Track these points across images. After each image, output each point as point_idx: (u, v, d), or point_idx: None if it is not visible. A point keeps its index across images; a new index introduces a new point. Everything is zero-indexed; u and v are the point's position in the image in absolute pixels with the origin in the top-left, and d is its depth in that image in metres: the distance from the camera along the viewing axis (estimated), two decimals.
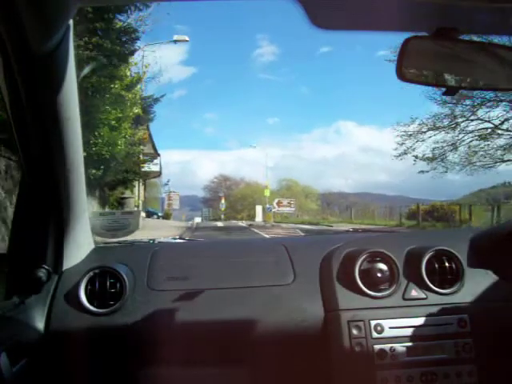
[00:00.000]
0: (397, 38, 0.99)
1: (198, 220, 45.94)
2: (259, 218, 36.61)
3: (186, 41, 20.14)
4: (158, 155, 25.07)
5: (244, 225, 26.46)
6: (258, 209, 38.49)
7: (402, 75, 1.01)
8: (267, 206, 33.73)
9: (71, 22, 0.95)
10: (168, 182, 51.68)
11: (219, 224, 27.57)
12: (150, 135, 22.33)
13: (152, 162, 23.15)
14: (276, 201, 35.00)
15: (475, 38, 1.02)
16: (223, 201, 52.19)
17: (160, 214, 39.10)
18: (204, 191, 68.68)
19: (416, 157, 20.65)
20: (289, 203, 35.62)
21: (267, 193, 38.58)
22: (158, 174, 32.42)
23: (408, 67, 1.02)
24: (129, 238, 1.53)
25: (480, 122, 19.06)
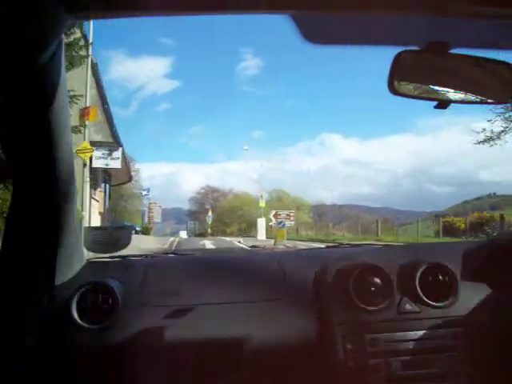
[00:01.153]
0: (388, 52, 1.07)
1: (183, 235, 45.18)
2: (262, 235, 30.75)
3: None
4: (120, 146, 18.12)
5: (244, 246, 18.19)
6: (260, 223, 32.45)
7: (393, 89, 1.09)
8: (279, 220, 27.49)
9: (63, 36, 1.02)
10: (148, 191, 50.71)
11: (208, 244, 22.18)
12: (105, 112, 16.96)
13: (110, 155, 17.07)
14: (273, 213, 31.45)
15: (466, 52, 1.09)
16: (210, 213, 51.61)
17: (138, 229, 37.82)
18: (190, 203, 68.35)
19: None
20: (288, 216, 31.85)
21: (263, 204, 35.31)
22: (128, 179, 27.56)
23: (400, 81, 1.09)
24: (121, 252, 1.58)
25: None
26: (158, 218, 54.74)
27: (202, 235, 46.19)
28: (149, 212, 52.13)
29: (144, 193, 49.29)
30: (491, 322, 1.36)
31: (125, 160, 20.67)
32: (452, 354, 1.31)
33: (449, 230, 22.67)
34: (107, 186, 24.06)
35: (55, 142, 1.11)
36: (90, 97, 14.46)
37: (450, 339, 1.32)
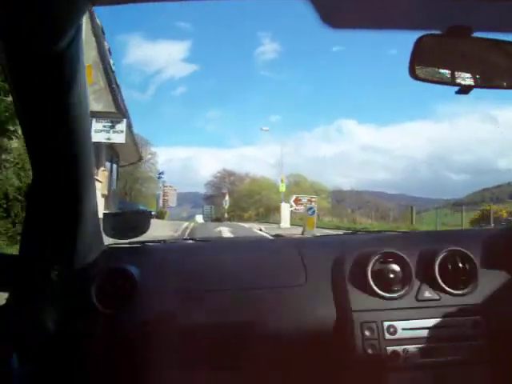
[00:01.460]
0: (409, 36, 1.08)
1: (199, 219, 45.21)
2: (286, 222, 27.36)
3: None
4: (124, 117, 15.77)
5: (266, 235, 15.90)
6: (284, 208, 28.58)
7: (414, 73, 1.10)
8: (308, 206, 22.14)
9: (83, 20, 1.05)
10: (162, 174, 50.33)
11: (226, 232, 19.49)
12: (107, 78, 14.42)
13: (113, 127, 15.18)
14: (293, 198, 29.52)
15: (489, 36, 1.09)
16: (227, 197, 51.70)
17: (153, 213, 37.47)
18: (206, 187, 68.52)
19: None
20: (309, 201, 28.97)
21: (283, 188, 33.37)
22: (138, 159, 25.79)
23: (421, 65, 1.11)
24: (139, 238, 1.61)
25: None
26: (172, 202, 54.40)
27: (219, 220, 46.25)
28: (163, 196, 52.14)
29: (158, 175, 49.16)
30: (511, 309, 1.38)
31: (131, 135, 18.35)
32: (471, 342, 1.33)
33: (487, 218, 21.54)
34: (114, 165, 21.86)
35: (74, 128, 1.14)
36: (87, 57, 12.42)
37: (469, 327, 1.34)
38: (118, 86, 15.52)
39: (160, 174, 49.63)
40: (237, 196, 57.56)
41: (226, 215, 50.41)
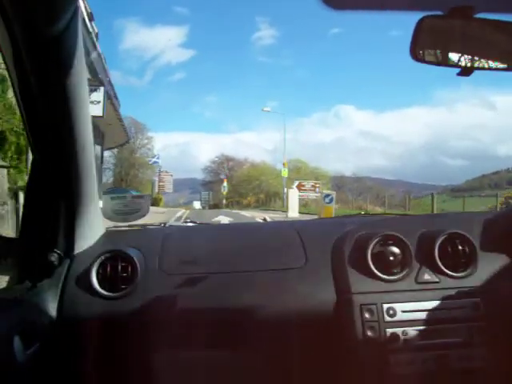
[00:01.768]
0: (410, 18, 1.09)
1: (197, 205, 44.95)
2: (294, 210, 23.92)
3: None
4: (102, 84, 13.70)
5: None
6: (292, 195, 25.26)
7: (416, 55, 1.12)
8: (325, 192, 18.79)
9: (80, 2, 1.07)
10: (157, 158, 49.15)
11: (224, 219, 17.02)
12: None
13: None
14: (296, 183, 28.49)
15: (492, 17, 1.10)
16: (225, 183, 51.46)
17: None
18: (204, 173, 68.19)
19: None
20: (313, 186, 28.87)
21: (285, 173, 32.51)
22: (126, 140, 25.07)
23: (422, 47, 1.12)
24: (139, 221, 1.66)
25: None
26: (169, 188, 53.97)
27: (217, 206, 46.07)
28: (159, 181, 51.73)
29: (153, 160, 48.32)
30: (510, 291, 1.42)
31: (115, 110, 16.13)
32: (471, 324, 1.37)
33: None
34: (97, 147, 18.55)
35: (73, 112, 1.17)
36: None
37: (468, 309, 1.38)
38: (97, 51, 13.68)
39: (155, 157, 48.61)
40: (235, 182, 57.19)
41: (224, 201, 50.26)
